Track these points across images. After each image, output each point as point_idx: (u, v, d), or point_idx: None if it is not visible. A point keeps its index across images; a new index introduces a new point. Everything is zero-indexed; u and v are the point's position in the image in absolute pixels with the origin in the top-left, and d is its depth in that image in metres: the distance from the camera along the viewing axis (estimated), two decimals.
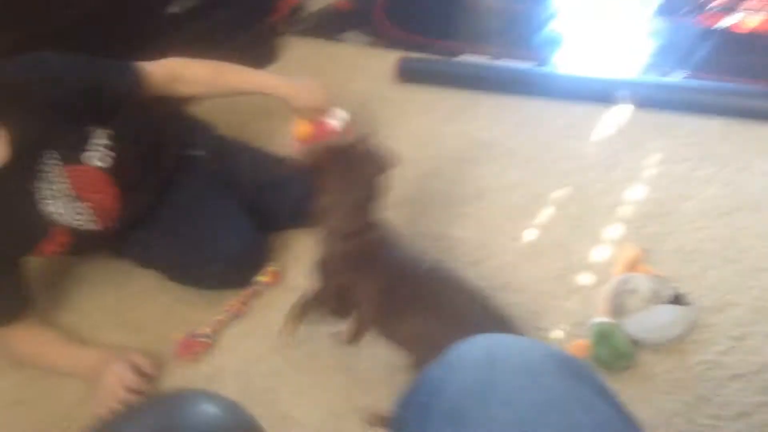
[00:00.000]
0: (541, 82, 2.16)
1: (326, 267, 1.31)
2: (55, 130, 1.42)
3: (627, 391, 1.25)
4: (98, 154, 1.48)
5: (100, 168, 1.48)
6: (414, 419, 0.67)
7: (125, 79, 1.54)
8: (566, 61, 2.31)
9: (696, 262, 1.47)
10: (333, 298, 1.32)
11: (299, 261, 1.69)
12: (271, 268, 1.65)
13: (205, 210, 1.68)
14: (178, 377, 1.49)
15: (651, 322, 1.30)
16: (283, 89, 1.72)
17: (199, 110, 1.97)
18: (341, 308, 1.32)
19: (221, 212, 1.67)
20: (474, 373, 0.63)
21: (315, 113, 1.74)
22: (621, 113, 1.96)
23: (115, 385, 1.39)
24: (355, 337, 1.33)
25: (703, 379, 1.25)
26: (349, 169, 1.26)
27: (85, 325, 1.66)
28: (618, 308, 1.34)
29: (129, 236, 1.66)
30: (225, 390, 1.42)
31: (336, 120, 1.75)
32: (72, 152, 1.45)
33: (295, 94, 1.71)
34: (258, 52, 2.61)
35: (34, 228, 1.45)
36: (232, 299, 1.60)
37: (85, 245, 1.60)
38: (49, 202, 1.44)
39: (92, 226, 1.52)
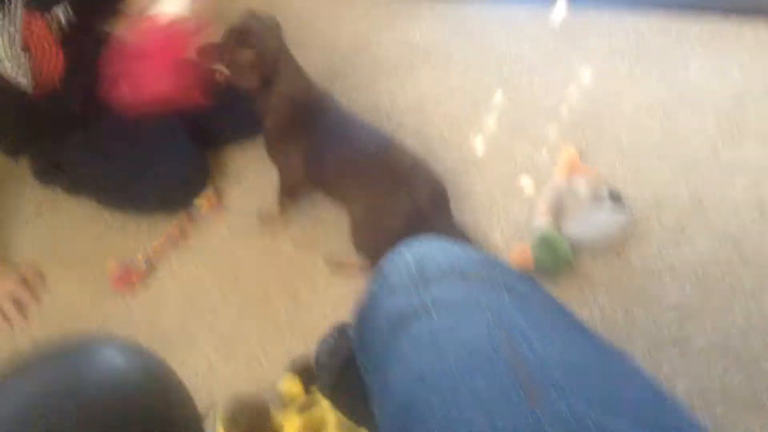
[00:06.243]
0: None
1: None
2: None
3: (568, 292, 1.27)
4: (62, 7, 1.43)
5: (54, 27, 1.43)
6: (360, 332, 0.68)
7: None
8: None
9: (634, 159, 1.48)
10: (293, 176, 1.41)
11: (236, 181, 1.63)
12: (207, 191, 1.58)
13: (143, 130, 1.56)
14: (119, 306, 1.45)
15: (589, 223, 1.30)
16: None
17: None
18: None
19: (162, 132, 1.56)
20: (405, 296, 0.61)
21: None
22: (559, 13, 1.91)
23: (1, 297, 1.47)
24: (280, 201, 1.48)
25: (642, 274, 1.28)
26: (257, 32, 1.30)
27: (18, 260, 1.59)
28: (558, 211, 1.34)
29: (59, 157, 1.56)
30: (167, 314, 1.41)
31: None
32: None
33: None
34: None
35: None
36: (168, 224, 1.54)
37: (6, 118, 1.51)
38: None
39: (27, 85, 1.44)
